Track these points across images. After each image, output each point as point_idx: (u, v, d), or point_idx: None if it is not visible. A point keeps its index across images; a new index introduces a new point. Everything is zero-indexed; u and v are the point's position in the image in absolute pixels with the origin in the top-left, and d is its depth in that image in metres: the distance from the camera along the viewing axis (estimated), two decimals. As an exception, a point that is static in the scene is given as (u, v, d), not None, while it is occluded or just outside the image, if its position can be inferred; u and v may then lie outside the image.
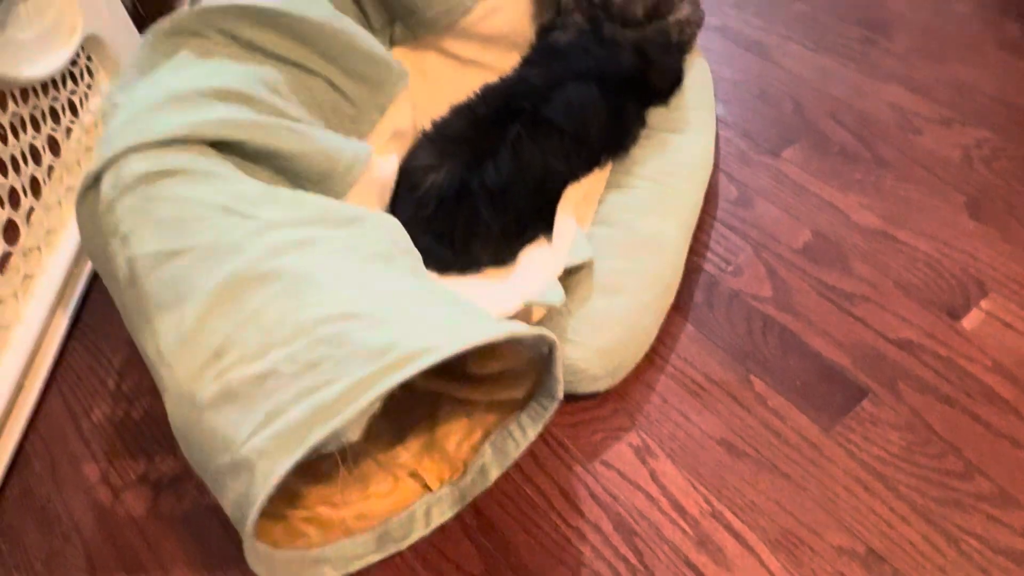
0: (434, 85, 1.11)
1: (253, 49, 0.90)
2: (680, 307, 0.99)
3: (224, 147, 0.80)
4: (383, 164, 0.95)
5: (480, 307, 0.77)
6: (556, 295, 0.90)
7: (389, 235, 0.84)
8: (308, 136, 0.84)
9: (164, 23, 0.89)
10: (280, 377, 0.64)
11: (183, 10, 0.89)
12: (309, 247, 0.75)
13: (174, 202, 0.73)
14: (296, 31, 0.92)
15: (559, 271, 0.94)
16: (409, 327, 0.68)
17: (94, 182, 0.77)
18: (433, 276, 0.95)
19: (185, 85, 0.81)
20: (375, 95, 0.99)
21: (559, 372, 0.77)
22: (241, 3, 0.90)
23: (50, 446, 0.98)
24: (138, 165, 0.74)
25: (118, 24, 1.25)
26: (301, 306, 0.68)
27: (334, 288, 0.71)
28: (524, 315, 0.93)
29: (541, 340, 0.74)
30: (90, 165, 0.77)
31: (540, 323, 0.93)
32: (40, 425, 1.00)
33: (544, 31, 1.14)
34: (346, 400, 0.62)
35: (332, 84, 0.95)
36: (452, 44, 1.13)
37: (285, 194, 0.80)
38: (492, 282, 1.00)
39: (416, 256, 0.85)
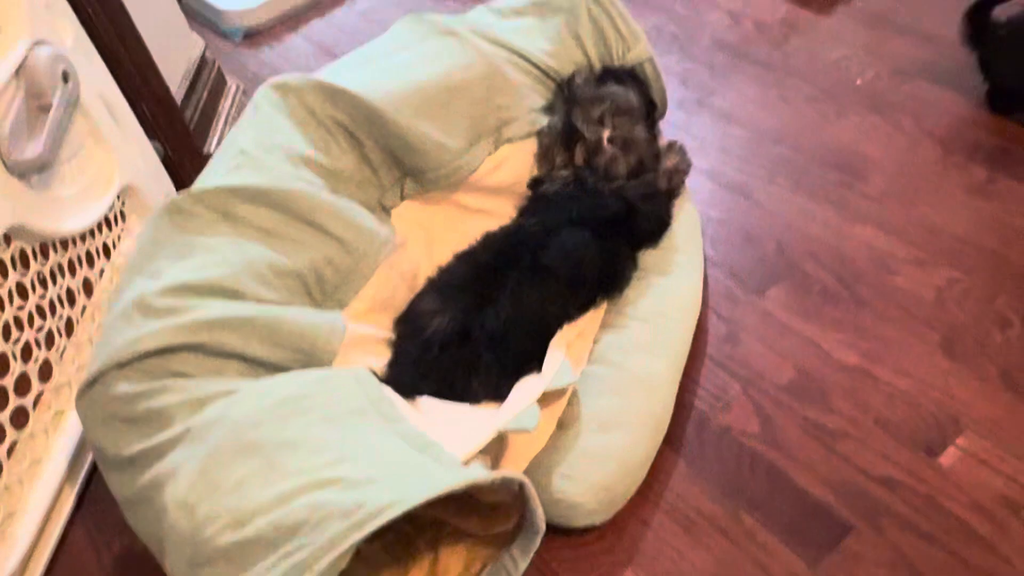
0: (442, 233, 1.20)
1: (245, 225, 1.01)
2: (672, 443, 1.04)
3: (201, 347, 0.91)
4: (361, 329, 1.03)
5: (449, 452, 0.85)
6: (530, 418, 0.95)
7: (360, 388, 0.91)
8: (282, 325, 0.95)
9: (166, 205, 1.00)
10: (265, 541, 0.74)
11: (181, 195, 1.01)
12: (285, 414, 0.85)
13: (157, 411, 0.88)
14: (284, 206, 1.02)
15: (537, 395, 1.00)
16: (377, 484, 0.77)
17: (88, 386, 0.90)
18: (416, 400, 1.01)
19: (175, 279, 0.94)
20: (359, 264, 1.07)
21: (536, 506, 0.83)
22: (232, 183, 1.01)
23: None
24: (122, 386, 0.88)
25: (151, 171, 1.36)
26: (282, 476, 0.79)
27: (311, 455, 0.81)
28: (498, 443, 0.97)
29: (509, 482, 0.80)
30: (88, 369, 0.90)
31: (535, 457, 0.98)
32: (62, 558, 1.05)
33: (535, 183, 1.23)
34: (317, 556, 0.71)
35: (318, 255, 1.04)
36: (460, 196, 1.22)
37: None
38: (474, 408, 1.05)
39: (387, 401, 0.92)
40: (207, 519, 0.77)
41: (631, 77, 1.28)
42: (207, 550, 0.76)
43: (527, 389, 1.04)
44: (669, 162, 1.24)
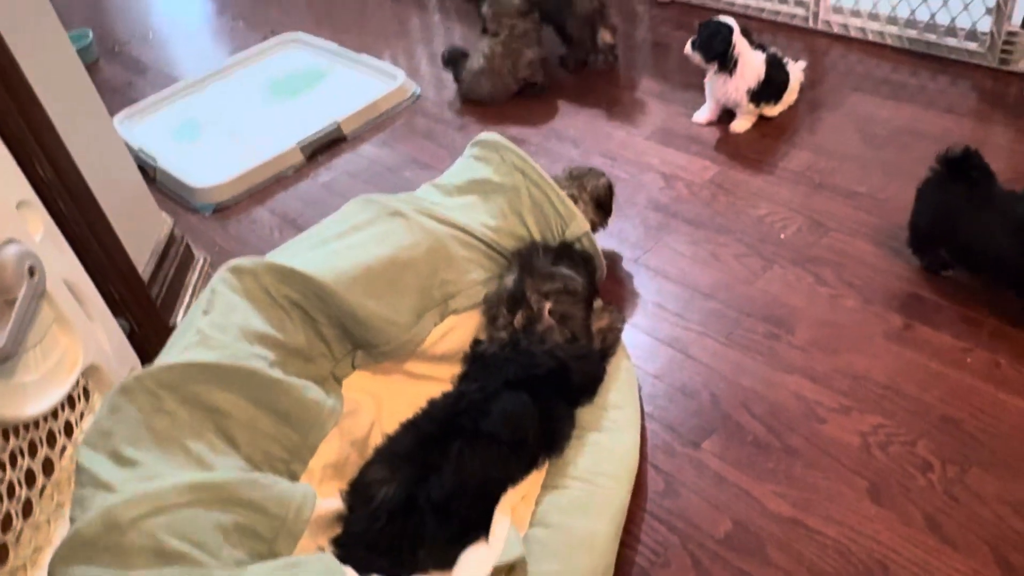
0: (391, 400, 1.26)
1: (197, 405, 1.06)
2: (614, 604, 1.07)
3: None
4: (324, 502, 1.08)
5: None
6: None
7: (327, 573, 0.95)
8: (262, 487, 1.00)
9: (124, 384, 1.05)
10: None
11: (137, 374, 1.07)
12: None
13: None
14: (235, 383, 1.08)
15: (488, 570, 1.03)
16: None
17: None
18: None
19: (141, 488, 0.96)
20: (307, 438, 1.13)
21: None
22: (186, 361, 1.08)
23: None
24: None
25: (115, 349, 1.41)
26: None
27: None
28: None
29: None
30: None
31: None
32: None
33: (475, 343, 1.31)
34: None
35: (266, 432, 1.10)
36: (409, 365, 1.30)
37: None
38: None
39: None
40: None
41: (583, 260, 1.38)
42: None
43: (477, 561, 1.07)
44: (602, 322, 1.32)
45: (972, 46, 1.94)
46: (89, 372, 1.36)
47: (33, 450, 1.22)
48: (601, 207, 1.54)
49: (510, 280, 1.31)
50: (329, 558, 0.96)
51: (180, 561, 0.89)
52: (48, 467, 1.25)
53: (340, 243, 1.31)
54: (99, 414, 1.05)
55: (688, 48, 1.85)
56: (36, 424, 1.22)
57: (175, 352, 1.13)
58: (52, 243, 1.32)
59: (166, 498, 0.92)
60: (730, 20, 1.81)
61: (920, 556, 1.06)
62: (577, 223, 1.40)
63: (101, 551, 0.88)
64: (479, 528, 1.11)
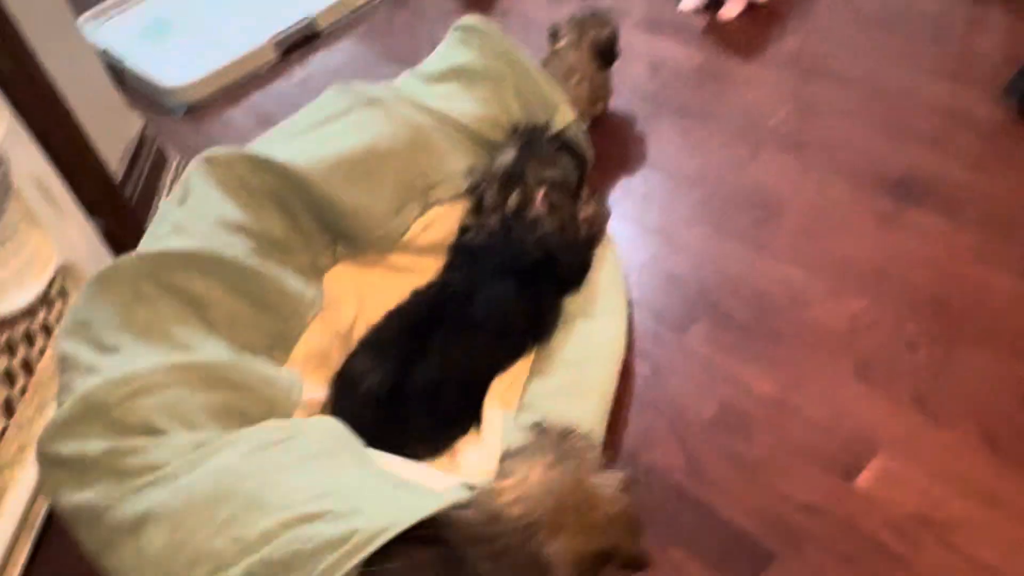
0: (374, 293, 1.24)
1: (176, 294, 1.04)
2: (602, 483, 1.07)
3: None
4: (310, 392, 1.06)
5: (422, 485, 0.87)
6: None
7: (331, 432, 0.95)
8: (250, 369, 0.97)
9: (100, 275, 1.02)
10: None
11: (113, 263, 1.03)
12: (260, 458, 0.87)
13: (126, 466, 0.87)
14: (213, 271, 1.06)
15: (494, 463, 1.04)
16: (364, 514, 0.78)
17: (53, 435, 0.89)
18: (376, 455, 1.03)
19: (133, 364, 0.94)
20: (287, 327, 1.11)
21: None
22: (162, 249, 1.05)
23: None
24: (91, 442, 0.88)
25: (90, 249, 1.39)
26: (264, 515, 0.79)
27: (292, 492, 0.82)
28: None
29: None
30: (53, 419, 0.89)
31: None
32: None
33: (461, 231, 1.28)
34: None
35: (246, 322, 1.08)
36: (391, 257, 1.27)
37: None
38: (432, 470, 1.08)
39: (358, 445, 0.95)
40: (188, 566, 0.77)
41: (579, 158, 1.34)
42: None
43: (481, 456, 1.07)
44: (587, 212, 1.29)
45: (971, -76, 1.87)
46: (65, 271, 1.33)
47: (12, 350, 1.20)
48: (602, 56, 1.47)
49: (508, 157, 1.26)
50: (330, 419, 0.96)
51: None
52: (28, 367, 1.24)
53: (316, 133, 1.27)
54: (76, 304, 1.02)
55: None
56: (12, 322, 1.20)
57: (150, 242, 1.10)
58: (16, 138, 1.27)
59: (152, 378, 0.91)
60: None
61: (906, 432, 1.07)
62: (563, 113, 1.35)
63: (88, 427, 0.87)
64: (467, 415, 1.11)
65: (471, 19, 1.42)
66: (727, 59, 1.73)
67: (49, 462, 0.90)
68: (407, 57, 1.92)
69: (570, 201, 1.28)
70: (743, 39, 1.77)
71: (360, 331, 1.20)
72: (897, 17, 1.73)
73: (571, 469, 0.82)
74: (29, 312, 1.24)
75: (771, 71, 1.67)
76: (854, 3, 1.80)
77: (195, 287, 1.06)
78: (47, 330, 1.29)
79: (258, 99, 1.94)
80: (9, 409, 1.18)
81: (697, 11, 1.87)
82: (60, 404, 0.93)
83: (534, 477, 0.81)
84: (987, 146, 1.41)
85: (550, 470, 0.81)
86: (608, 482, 0.84)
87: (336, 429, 0.96)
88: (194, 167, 1.19)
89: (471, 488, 0.97)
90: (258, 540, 0.77)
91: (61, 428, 0.90)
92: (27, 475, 1.17)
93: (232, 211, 1.15)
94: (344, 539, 0.74)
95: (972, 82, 1.53)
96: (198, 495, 0.82)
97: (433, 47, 1.50)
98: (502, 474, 0.83)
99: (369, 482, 0.87)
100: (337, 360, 1.17)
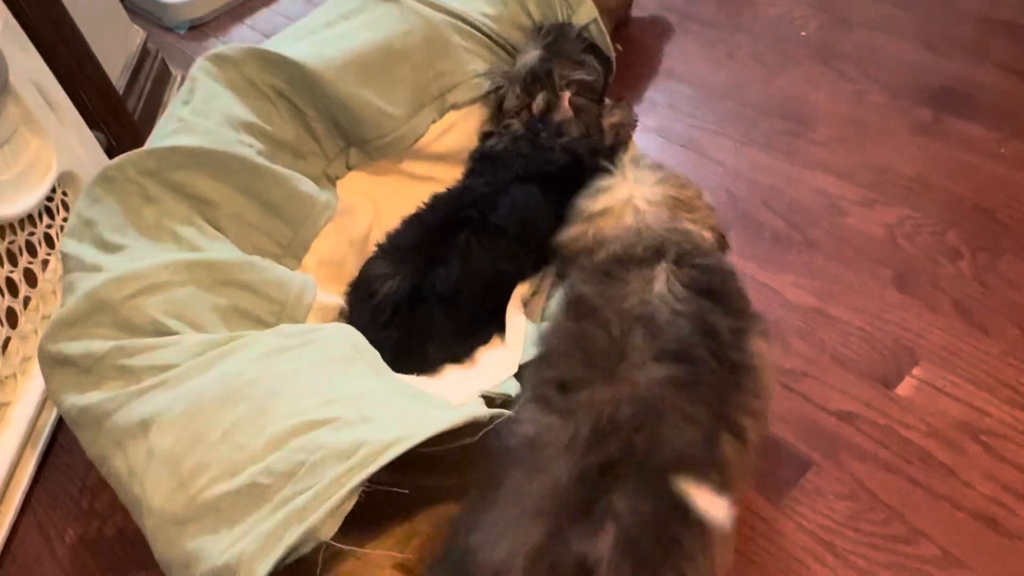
0: (389, 201, 1.18)
1: (182, 193, 0.98)
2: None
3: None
4: (324, 296, 1.02)
5: (440, 397, 0.82)
6: (511, 386, 0.95)
7: (347, 340, 0.90)
8: (259, 270, 0.92)
9: (103, 174, 0.97)
10: (259, 489, 0.69)
11: (117, 161, 0.97)
12: (271, 363, 0.81)
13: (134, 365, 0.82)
14: (222, 169, 1.00)
15: (514, 368, 0.99)
16: (374, 423, 0.73)
17: (56, 334, 0.85)
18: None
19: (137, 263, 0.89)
20: (299, 232, 1.06)
21: None
22: (169, 145, 0.99)
23: (26, 571, 1.00)
24: (96, 343, 0.83)
25: (92, 160, 1.33)
26: (271, 420, 0.74)
27: (301, 397, 0.76)
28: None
29: (503, 419, 0.78)
30: (57, 316, 0.84)
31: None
32: (15, 551, 1.02)
33: (483, 137, 1.22)
34: (320, 501, 0.66)
35: (255, 224, 1.02)
36: (407, 164, 1.21)
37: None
38: (451, 380, 1.04)
39: (375, 355, 0.91)
40: (194, 471, 0.72)
41: (605, 59, 1.27)
42: (195, 505, 0.71)
43: (501, 360, 1.03)
44: (614, 118, 1.23)
45: None
46: (66, 181, 1.28)
47: (13, 259, 1.16)
48: None
49: (532, 57, 1.19)
50: (347, 326, 0.91)
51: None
52: (31, 278, 1.19)
53: (329, 31, 1.20)
54: (80, 205, 0.97)
55: None
56: (14, 230, 1.15)
57: (156, 140, 1.04)
58: (13, 39, 1.21)
59: (158, 276, 0.85)
60: None
61: (948, 340, 1.02)
62: (586, 8, 1.28)
63: (93, 325, 0.83)
64: (489, 321, 1.06)
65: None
66: (755, -30, 1.66)
67: (52, 361, 0.85)
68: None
69: (596, 105, 1.21)
70: (771, -51, 1.70)
71: (376, 239, 1.14)
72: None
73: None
74: (31, 220, 1.19)
75: (802, -20, 1.60)
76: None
77: (203, 187, 1.00)
78: (50, 241, 1.24)
79: (265, 16, 1.87)
80: (12, 319, 1.13)
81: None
82: (64, 303, 0.88)
83: None
84: (1031, 55, 1.35)
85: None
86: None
87: (352, 336, 0.91)
88: (200, 65, 1.13)
89: (492, 399, 0.94)
90: (264, 447, 0.72)
91: (65, 327, 0.85)
92: (32, 386, 1.13)
93: (241, 111, 1.09)
94: (350, 451, 0.69)
95: (1016, -11, 1.46)
96: (207, 399, 0.77)
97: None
98: None
99: (383, 390, 0.82)
100: (352, 268, 1.11)
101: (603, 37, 1.30)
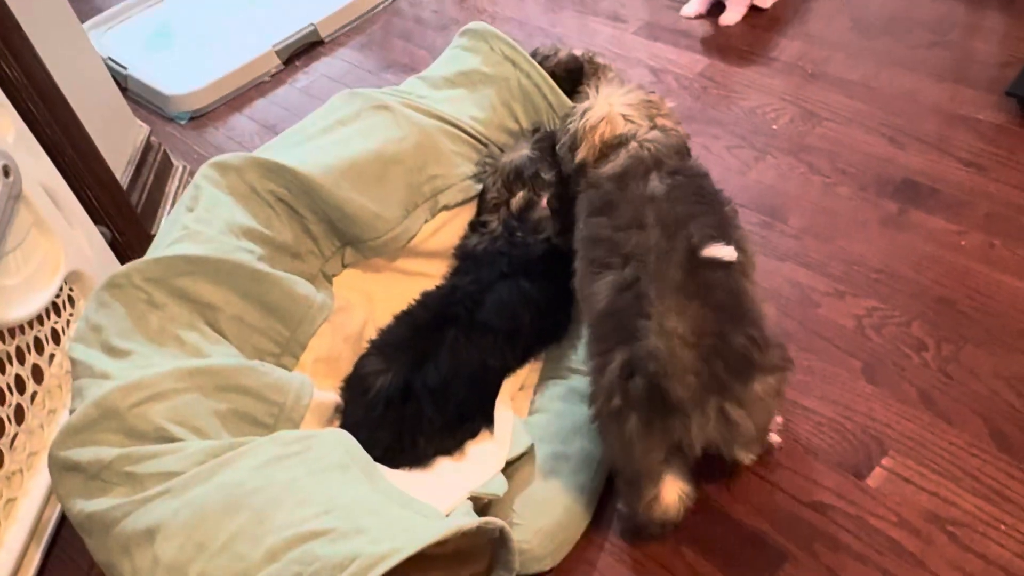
0: (384, 297, 1.24)
1: (185, 299, 1.04)
2: (613, 485, 1.08)
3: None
4: (320, 393, 1.07)
5: (429, 504, 0.87)
6: (499, 485, 1.00)
7: (341, 445, 0.95)
8: (258, 375, 0.97)
9: (111, 280, 1.03)
10: None
11: (124, 269, 1.04)
12: (269, 472, 0.87)
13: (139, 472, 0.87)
14: (223, 277, 1.06)
15: (502, 464, 1.04)
16: (367, 535, 0.78)
17: (67, 440, 0.90)
18: (385, 470, 1.04)
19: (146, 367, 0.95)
20: (297, 332, 1.12)
21: (513, 550, 0.88)
22: (173, 254, 1.05)
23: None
24: (104, 449, 0.88)
25: (97, 255, 1.39)
26: (269, 531, 0.80)
27: (298, 507, 0.83)
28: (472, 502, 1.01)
29: (489, 527, 0.83)
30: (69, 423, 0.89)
31: (488, 507, 1.01)
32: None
33: (466, 233, 1.28)
34: None
35: (255, 326, 1.08)
36: (400, 262, 1.28)
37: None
38: (441, 475, 1.09)
39: (367, 460, 0.95)
40: None
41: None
42: None
43: (489, 455, 1.08)
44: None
45: (967, -70, 1.88)
46: (73, 278, 1.33)
47: (21, 357, 1.20)
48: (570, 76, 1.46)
49: (519, 156, 1.27)
50: (343, 432, 0.96)
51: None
52: (38, 374, 1.24)
53: (325, 139, 1.27)
54: (88, 310, 1.03)
55: None
56: (23, 330, 1.20)
57: (161, 248, 1.10)
58: (25, 146, 1.27)
59: (163, 384, 0.91)
60: None
61: (915, 431, 1.07)
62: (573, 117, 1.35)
63: (101, 432, 0.87)
64: (478, 415, 1.11)
65: (478, 24, 1.42)
66: (730, 64, 1.74)
67: (62, 467, 0.90)
68: (407, 64, 1.94)
69: (574, 206, 1.28)
70: (745, 44, 1.79)
71: (370, 335, 1.20)
72: (894, 22, 1.75)
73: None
74: (38, 319, 1.24)
75: (773, 76, 1.68)
76: (851, 9, 1.82)
77: (205, 292, 1.06)
78: (56, 336, 1.29)
79: (261, 106, 1.95)
80: (20, 415, 1.18)
81: (700, 16, 1.89)
82: (73, 410, 0.93)
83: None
84: (989, 148, 1.42)
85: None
86: None
87: (346, 441, 0.96)
88: (204, 172, 1.20)
89: (478, 499, 0.99)
90: (263, 559, 0.78)
91: (74, 433, 0.90)
92: (38, 481, 1.17)
93: (242, 216, 1.16)
94: (345, 564, 0.75)
95: (972, 84, 1.55)
96: (208, 508, 0.83)
97: (432, 54, 1.51)
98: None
99: (376, 498, 0.88)
100: (347, 364, 1.17)
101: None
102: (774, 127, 1.57)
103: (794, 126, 1.56)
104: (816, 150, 1.50)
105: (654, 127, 1.14)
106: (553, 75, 1.37)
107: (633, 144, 1.11)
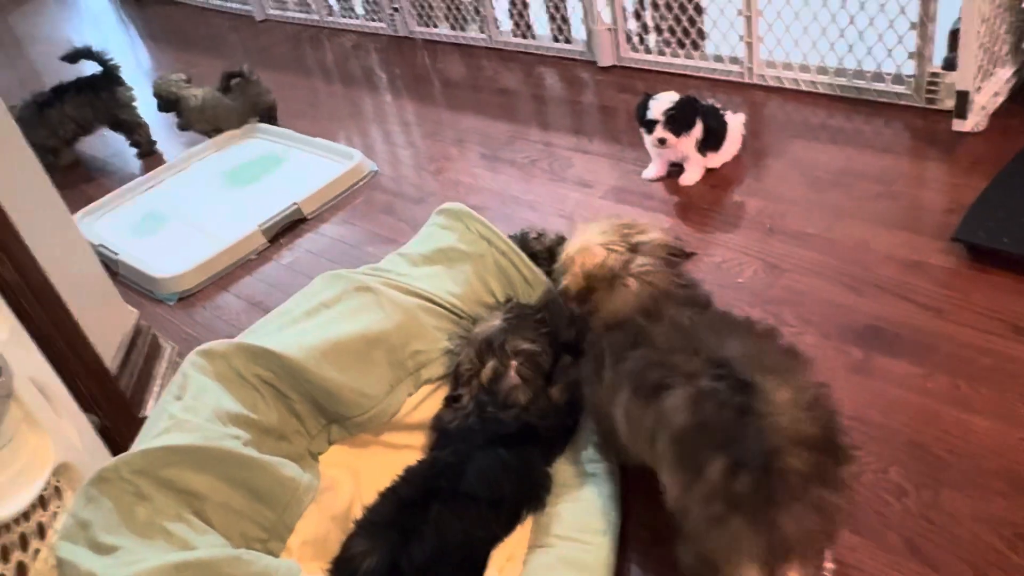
0: (370, 472, 1.26)
1: (172, 489, 1.06)
2: (609, 656, 1.06)
3: None
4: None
5: None
6: None
7: None
8: (245, 565, 0.97)
9: (99, 475, 1.05)
10: None
11: (113, 463, 1.06)
12: None
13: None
14: (210, 465, 1.08)
15: None
16: None
17: None
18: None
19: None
20: (284, 515, 1.13)
21: None
22: (159, 446, 1.08)
23: None
24: None
25: (86, 445, 1.40)
26: None
27: None
28: None
29: None
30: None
31: None
32: None
33: (436, 419, 1.32)
34: None
35: (241, 512, 1.10)
36: (385, 436, 1.30)
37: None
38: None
39: None
40: None
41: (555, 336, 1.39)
42: None
43: None
44: (555, 394, 1.33)
45: (900, 89, 2.05)
46: (60, 470, 1.34)
47: (6, 555, 1.19)
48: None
49: (490, 326, 1.32)
50: None
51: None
52: (22, 572, 1.22)
53: (310, 322, 1.33)
54: (75, 506, 1.04)
55: (660, 130, 1.89)
56: (8, 527, 1.20)
57: (148, 439, 1.12)
58: (18, 343, 1.31)
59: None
60: (671, 94, 1.89)
61: (901, 581, 1.08)
62: (544, 289, 1.43)
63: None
64: (467, 591, 1.11)
65: (453, 205, 1.51)
66: (693, 222, 1.84)
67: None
68: (388, 236, 2.03)
69: (542, 377, 1.32)
70: (706, 203, 1.90)
71: (357, 511, 1.21)
72: (843, 176, 1.87)
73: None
74: (24, 515, 1.24)
75: (736, 231, 1.78)
76: (800, 165, 1.94)
77: (192, 481, 1.08)
78: (42, 531, 1.28)
79: (248, 283, 2.02)
80: (2, 617, 1.15)
81: (660, 179, 2.01)
82: (61, 613, 0.93)
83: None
84: (944, 291, 1.50)
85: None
86: None
87: None
88: (191, 360, 1.24)
89: None
90: None
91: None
92: None
93: (229, 402, 1.19)
94: None
95: (920, 232, 1.64)
96: None
97: (412, 226, 1.60)
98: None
99: None
100: (335, 543, 1.17)
101: (559, 317, 1.43)
102: (739, 280, 1.64)
103: (759, 278, 1.63)
104: (781, 301, 1.57)
105: (635, 248, 1.17)
106: (537, 255, 1.45)
107: (631, 280, 1.15)
